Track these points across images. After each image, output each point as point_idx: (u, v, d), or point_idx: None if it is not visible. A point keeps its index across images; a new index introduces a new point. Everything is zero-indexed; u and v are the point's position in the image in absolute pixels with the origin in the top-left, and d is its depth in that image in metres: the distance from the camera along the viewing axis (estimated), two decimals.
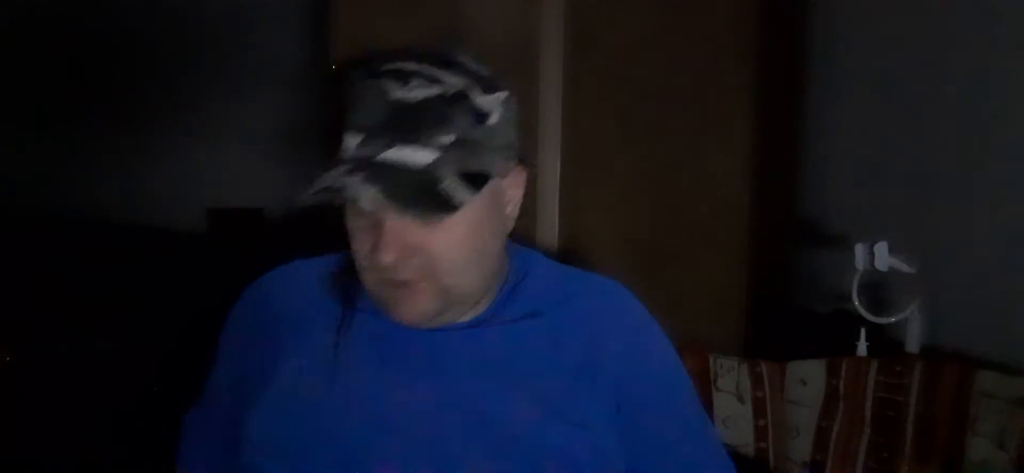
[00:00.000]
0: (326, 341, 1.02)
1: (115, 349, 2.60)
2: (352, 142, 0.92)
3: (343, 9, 1.81)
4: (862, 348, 1.68)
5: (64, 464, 2.28)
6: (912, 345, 1.66)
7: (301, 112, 3.04)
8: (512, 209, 1.03)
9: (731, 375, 1.64)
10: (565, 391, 1.00)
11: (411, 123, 0.92)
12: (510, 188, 1.02)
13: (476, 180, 0.93)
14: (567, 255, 1.67)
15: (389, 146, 0.91)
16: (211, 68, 3.11)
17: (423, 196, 0.90)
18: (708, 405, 1.62)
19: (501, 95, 0.98)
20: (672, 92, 1.85)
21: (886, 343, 1.68)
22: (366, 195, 0.89)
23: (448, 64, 0.96)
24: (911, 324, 1.66)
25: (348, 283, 1.03)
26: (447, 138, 0.92)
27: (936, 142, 1.82)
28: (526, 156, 1.03)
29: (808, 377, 1.64)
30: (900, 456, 1.53)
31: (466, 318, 1.03)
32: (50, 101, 3.19)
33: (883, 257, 1.61)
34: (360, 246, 0.96)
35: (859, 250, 1.64)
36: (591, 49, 1.75)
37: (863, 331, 1.68)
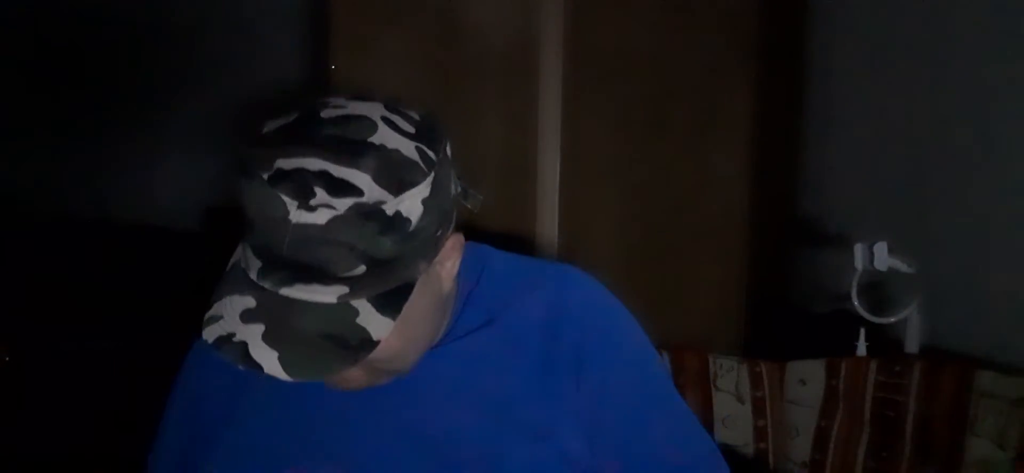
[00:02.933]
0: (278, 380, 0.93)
1: (115, 349, 2.60)
2: (252, 265, 0.81)
3: (342, 10, 1.81)
4: (862, 348, 1.68)
5: (64, 464, 2.27)
6: (912, 345, 1.66)
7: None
8: (451, 268, 0.92)
9: (730, 375, 1.64)
10: (525, 400, 0.95)
11: (314, 256, 0.78)
12: (446, 261, 0.90)
13: (397, 298, 0.82)
14: (567, 255, 1.67)
15: (290, 282, 0.78)
16: (211, 68, 3.11)
17: (332, 345, 0.79)
18: (707, 405, 1.62)
19: (425, 185, 0.81)
20: (672, 92, 1.85)
21: (886, 343, 1.68)
22: (267, 361, 0.77)
23: (361, 152, 0.79)
24: (910, 324, 1.66)
25: None
26: (359, 269, 0.79)
27: (936, 142, 1.82)
28: (463, 208, 0.91)
29: (808, 377, 1.64)
30: (900, 456, 1.53)
31: None
32: (50, 101, 3.19)
33: (883, 257, 1.61)
34: None
35: (858, 250, 1.64)
36: (591, 49, 1.75)
37: (863, 331, 1.68)
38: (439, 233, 0.85)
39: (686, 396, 1.10)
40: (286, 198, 0.77)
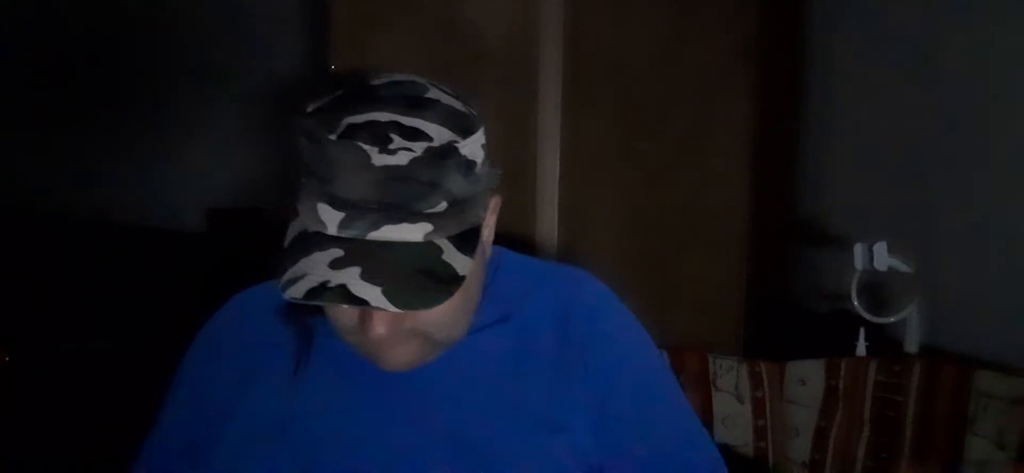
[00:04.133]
0: (288, 371, 0.97)
1: (115, 349, 2.60)
2: (332, 219, 0.81)
3: (342, 9, 1.81)
4: (861, 348, 1.68)
5: (64, 464, 2.27)
6: (911, 345, 1.66)
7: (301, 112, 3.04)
8: (489, 235, 0.97)
9: (730, 375, 1.64)
10: (539, 395, 0.97)
11: (400, 194, 0.81)
12: (489, 217, 0.95)
13: (471, 239, 0.87)
14: (568, 255, 1.67)
15: (378, 225, 0.81)
16: (211, 68, 3.11)
17: (426, 280, 0.81)
18: (707, 405, 1.62)
19: (480, 134, 0.90)
20: (672, 92, 1.85)
21: (885, 343, 1.68)
22: (371, 295, 0.79)
23: (422, 105, 0.86)
24: (910, 324, 1.66)
25: (306, 318, 0.99)
26: (441, 205, 0.83)
27: (936, 142, 1.82)
28: (495, 177, 0.94)
29: (807, 377, 1.64)
30: (899, 456, 1.54)
31: None
32: (50, 101, 3.19)
33: (882, 257, 1.62)
34: (342, 317, 0.88)
35: (858, 250, 1.64)
36: (591, 49, 1.75)
37: (862, 331, 1.68)
38: (491, 184, 0.91)
39: (686, 396, 1.11)
40: (366, 146, 0.81)
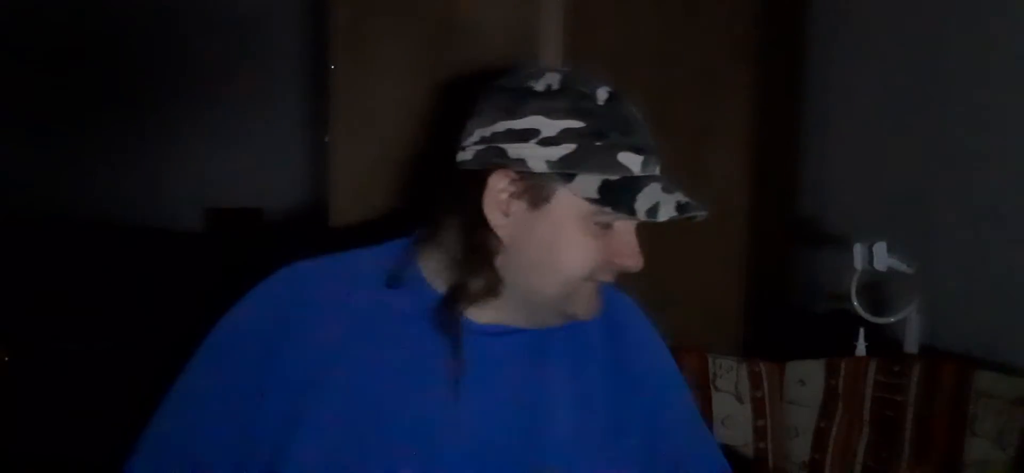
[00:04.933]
0: (387, 350, 0.99)
1: (115, 349, 2.60)
2: (635, 163, 0.97)
3: (342, 9, 1.81)
4: (861, 348, 1.68)
5: (64, 464, 2.28)
6: (911, 345, 1.66)
7: (301, 112, 3.05)
8: None
9: (730, 375, 1.64)
10: (600, 399, 1.05)
11: (653, 144, 1.00)
12: None
13: None
14: None
15: (656, 164, 0.99)
16: (211, 68, 3.12)
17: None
18: (707, 405, 1.62)
19: None
20: (672, 92, 1.85)
21: (885, 343, 1.68)
22: (695, 209, 0.97)
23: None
24: (910, 324, 1.66)
25: (459, 319, 1.01)
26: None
27: (936, 142, 1.82)
28: None
29: (807, 377, 1.64)
30: (899, 456, 1.54)
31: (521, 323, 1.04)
32: (50, 101, 3.19)
33: (882, 257, 1.62)
34: (593, 254, 0.98)
35: (858, 250, 1.64)
36: (591, 49, 1.75)
37: (862, 331, 1.68)
38: None
39: None
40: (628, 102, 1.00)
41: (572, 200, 0.96)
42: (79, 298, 2.73)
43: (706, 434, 1.18)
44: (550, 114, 0.97)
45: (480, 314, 1.01)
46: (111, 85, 3.17)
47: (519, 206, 0.98)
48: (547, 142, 0.96)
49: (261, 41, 3.09)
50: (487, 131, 0.98)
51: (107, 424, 2.36)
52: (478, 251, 0.98)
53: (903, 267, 1.63)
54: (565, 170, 0.96)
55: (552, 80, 0.99)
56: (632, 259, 1.00)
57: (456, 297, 1.00)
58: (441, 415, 0.98)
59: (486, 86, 1.04)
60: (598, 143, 0.96)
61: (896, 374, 1.57)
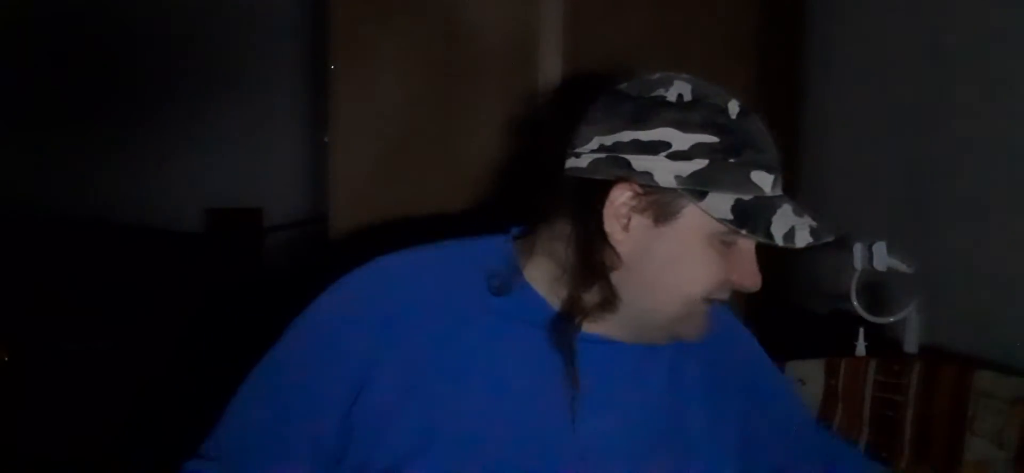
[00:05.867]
0: (489, 353, 0.95)
1: (115, 349, 2.60)
2: (766, 182, 0.93)
3: (342, 10, 1.81)
4: (861, 348, 1.68)
5: (64, 464, 2.28)
6: (910, 345, 1.66)
7: (301, 112, 3.05)
8: None
9: None
10: (693, 410, 1.03)
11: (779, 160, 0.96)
12: None
13: None
14: None
15: (781, 183, 0.95)
16: (211, 68, 3.12)
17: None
18: None
19: None
20: None
21: (885, 343, 1.68)
22: (825, 234, 0.93)
23: None
24: (909, 324, 1.66)
25: (574, 332, 0.96)
26: None
27: (936, 142, 1.82)
28: None
29: (807, 377, 1.64)
30: (899, 455, 1.54)
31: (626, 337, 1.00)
32: (50, 101, 3.19)
33: (882, 257, 1.62)
34: (715, 275, 0.94)
35: (858, 250, 1.64)
36: (591, 49, 1.75)
37: (862, 331, 1.68)
38: None
39: None
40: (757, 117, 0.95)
41: (702, 218, 0.92)
42: (79, 298, 2.73)
43: (826, 437, 1.18)
44: (683, 127, 0.91)
45: (586, 325, 0.97)
46: (111, 85, 3.17)
47: (641, 221, 0.92)
48: (678, 156, 0.91)
49: (261, 41, 3.09)
50: (609, 140, 0.93)
51: (107, 424, 2.36)
52: (595, 265, 0.93)
53: (903, 267, 1.63)
54: (696, 187, 0.91)
55: (683, 90, 0.95)
56: (752, 279, 0.96)
57: (572, 312, 0.95)
58: (555, 426, 0.94)
59: (605, 91, 0.98)
60: (731, 160, 0.91)
61: (896, 374, 1.57)
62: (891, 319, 1.67)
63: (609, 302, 0.94)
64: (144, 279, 2.78)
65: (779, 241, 0.91)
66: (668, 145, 0.91)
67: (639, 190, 0.91)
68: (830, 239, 0.94)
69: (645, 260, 0.93)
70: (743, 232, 0.91)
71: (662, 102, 0.94)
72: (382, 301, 0.98)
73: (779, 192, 0.94)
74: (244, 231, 2.98)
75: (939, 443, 1.50)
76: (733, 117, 0.93)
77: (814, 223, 0.93)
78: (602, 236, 0.93)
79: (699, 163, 0.90)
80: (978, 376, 1.47)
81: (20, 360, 2.56)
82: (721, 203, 0.91)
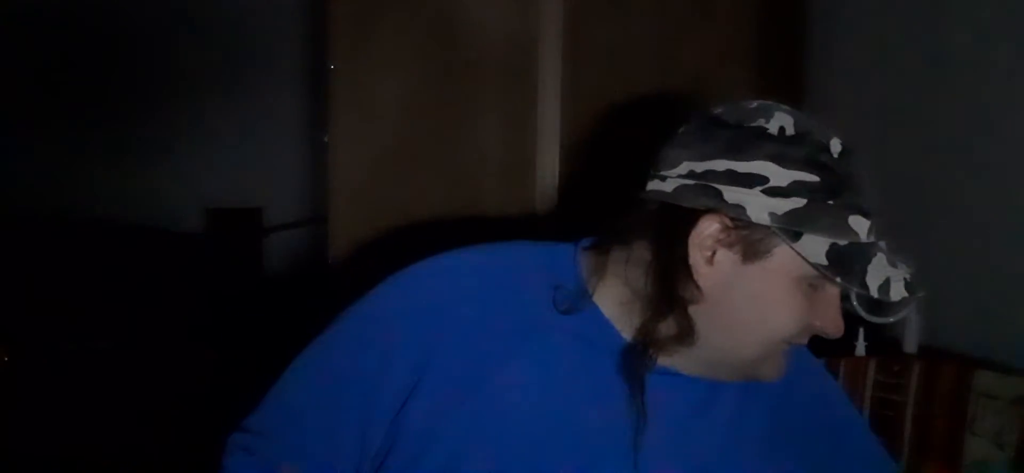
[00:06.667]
0: (551, 369, 0.92)
1: (115, 349, 2.60)
2: (863, 227, 0.88)
3: (342, 10, 1.81)
4: (860, 348, 1.68)
5: (64, 464, 2.28)
6: (910, 345, 1.66)
7: (301, 112, 3.05)
8: None
9: None
10: (761, 450, 1.00)
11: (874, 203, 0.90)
12: None
13: None
14: None
15: (882, 232, 0.90)
16: (211, 68, 3.12)
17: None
18: None
19: None
20: (672, 92, 1.85)
21: (884, 343, 1.68)
22: (915, 288, 0.90)
23: None
24: (909, 324, 1.66)
25: (644, 350, 0.92)
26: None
27: (936, 142, 1.82)
28: None
29: None
30: (898, 455, 1.54)
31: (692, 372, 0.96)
32: (50, 100, 3.19)
33: None
34: (800, 320, 0.90)
35: None
36: (591, 49, 1.75)
37: (861, 331, 1.68)
38: None
39: None
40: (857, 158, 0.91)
41: (793, 259, 0.87)
42: (79, 298, 2.74)
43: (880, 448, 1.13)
44: (782, 162, 0.86)
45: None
46: (111, 86, 3.17)
47: (727, 256, 0.88)
48: (775, 192, 0.85)
49: (261, 41, 3.09)
50: (700, 167, 0.87)
51: (107, 424, 2.36)
52: (674, 296, 0.89)
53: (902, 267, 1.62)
54: (791, 227, 0.85)
55: (785, 122, 0.89)
56: (835, 325, 0.91)
57: (646, 342, 0.91)
58: (613, 459, 0.91)
59: (698, 116, 0.94)
60: (830, 202, 0.86)
61: (896, 374, 1.57)
62: (891, 319, 1.66)
63: (685, 336, 0.89)
64: (144, 279, 2.78)
65: (874, 292, 0.87)
66: (765, 180, 0.86)
67: (729, 223, 0.86)
68: (921, 295, 0.90)
69: (728, 297, 0.89)
70: (838, 280, 0.87)
71: (762, 133, 0.88)
72: (441, 300, 0.95)
73: (873, 239, 0.89)
74: (244, 231, 2.98)
75: (939, 443, 1.50)
76: (835, 156, 0.89)
77: (908, 276, 0.89)
78: (685, 267, 0.88)
79: (797, 202, 0.85)
80: (978, 376, 1.47)
81: (20, 360, 2.56)
82: (816, 246, 0.86)
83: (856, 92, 2.05)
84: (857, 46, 2.05)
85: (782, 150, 0.87)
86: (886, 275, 0.87)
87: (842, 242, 0.86)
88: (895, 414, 1.55)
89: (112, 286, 2.76)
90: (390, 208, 1.76)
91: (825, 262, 0.86)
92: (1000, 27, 1.67)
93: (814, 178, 0.86)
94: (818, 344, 1.52)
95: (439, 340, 0.92)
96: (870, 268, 0.87)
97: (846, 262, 0.86)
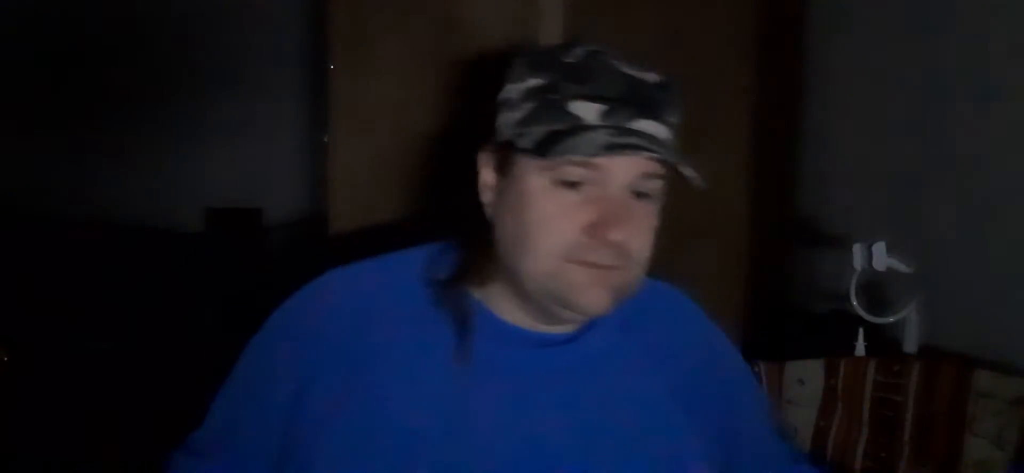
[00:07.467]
0: (426, 359, 0.95)
1: (114, 349, 2.60)
2: (590, 112, 0.90)
3: (342, 10, 1.81)
4: (860, 348, 1.68)
5: (64, 464, 2.28)
6: (910, 345, 1.66)
7: (301, 112, 3.05)
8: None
9: None
10: (662, 411, 1.02)
11: (649, 100, 0.93)
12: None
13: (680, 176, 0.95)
14: None
15: (634, 118, 0.91)
16: (211, 68, 3.11)
17: (677, 163, 0.91)
18: None
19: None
20: None
21: (884, 343, 1.68)
22: (658, 134, 0.91)
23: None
24: (909, 324, 1.66)
25: (461, 297, 0.98)
26: (674, 119, 0.95)
27: (935, 142, 1.82)
28: None
29: (806, 377, 1.64)
30: (898, 456, 1.54)
31: (568, 328, 1.00)
32: (49, 100, 3.19)
33: (881, 257, 1.62)
34: (566, 223, 0.91)
35: (857, 250, 1.64)
36: None
37: (861, 331, 1.68)
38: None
39: None
40: (616, 59, 0.96)
41: (529, 162, 0.92)
42: (79, 298, 2.73)
43: (788, 448, 1.17)
44: (518, 78, 0.95)
45: (508, 313, 0.97)
46: (111, 85, 3.17)
47: (492, 176, 0.97)
48: (511, 106, 0.94)
49: (261, 41, 3.09)
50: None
51: (107, 424, 2.36)
52: (474, 229, 0.97)
53: (903, 267, 1.63)
54: (522, 130, 0.92)
55: (535, 47, 0.99)
56: (602, 218, 0.91)
57: (457, 276, 0.97)
58: (493, 428, 0.94)
59: None
60: (553, 96, 0.92)
61: (895, 374, 1.57)
62: (891, 319, 1.67)
63: (489, 264, 0.96)
64: (144, 279, 2.78)
65: (593, 153, 0.89)
66: (508, 99, 0.95)
67: (493, 149, 0.96)
68: (646, 153, 0.90)
69: (502, 216, 0.95)
70: (544, 158, 0.90)
71: (514, 60, 0.97)
72: (318, 315, 1.00)
73: (613, 123, 0.91)
74: (244, 231, 2.98)
75: (939, 443, 1.50)
76: (571, 60, 0.93)
77: (640, 142, 0.89)
78: (478, 201, 0.97)
79: (527, 108, 0.92)
80: (978, 376, 1.47)
81: (20, 360, 2.56)
82: (535, 139, 0.92)
83: (856, 92, 2.05)
84: (857, 46, 2.05)
85: (522, 70, 0.95)
86: (612, 141, 0.88)
87: (561, 127, 0.90)
88: (895, 414, 1.56)
89: (112, 286, 2.76)
90: (390, 208, 1.76)
91: (534, 147, 0.91)
92: (1000, 27, 1.67)
93: (541, 81, 0.93)
94: (818, 344, 1.54)
95: (315, 355, 0.97)
96: (593, 140, 0.88)
97: (560, 142, 0.89)
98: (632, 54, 1.81)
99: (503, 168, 0.95)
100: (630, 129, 0.90)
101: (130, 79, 3.16)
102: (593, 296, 0.93)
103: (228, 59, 3.10)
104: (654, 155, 0.90)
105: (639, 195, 0.94)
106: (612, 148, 0.88)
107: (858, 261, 1.64)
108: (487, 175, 0.98)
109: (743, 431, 1.10)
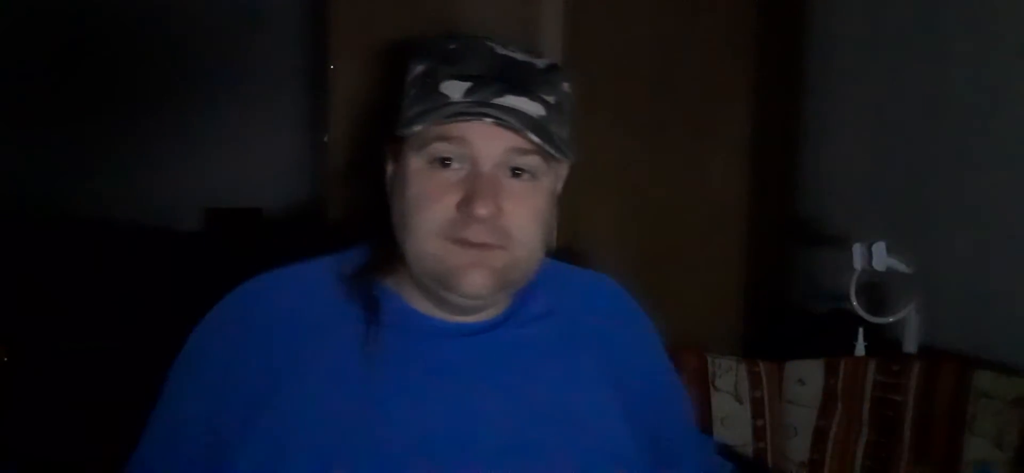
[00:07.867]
0: (344, 357, 0.96)
1: (115, 349, 2.60)
2: (457, 89, 0.92)
3: (341, 8, 1.81)
4: (860, 348, 1.68)
5: (64, 464, 2.27)
6: (910, 345, 1.66)
7: (301, 112, 3.05)
8: (557, 194, 1.06)
9: (729, 375, 1.64)
10: (584, 389, 1.02)
11: (519, 77, 0.93)
12: (559, 181, 1.04)
13: (567, 146, 0.96)
14: (566, 255, 1.67)
15: (501, 94, 0.91)
16: (211, 68, 3.11)
17: (543, 137, 0.92)
18: (706, 405, 1.62)
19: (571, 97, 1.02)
20: (672, 92, 1.85)
21: (884, 343, 1.68)
22: (522, 106, 0.91)
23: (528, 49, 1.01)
24: (909, 324, 1.66)
25: (370, 284, 1.00)
26: (551, 98, 0.94)
27: (935, 142, 1.82)
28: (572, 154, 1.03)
29: (806, 377, 1.64)
30: (898, 456, 1.54)
31: (486, 317, 1.01)
32: (49, 100, 3.19)
33: (881, 257, 1.62)
34: (439, 201, 0.93)
35: (857, 250, 1.65)
36: (591, 49, 1.75)
37: (861, 331, 1.68)
38: (568, 154, 0.98)
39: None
40: (490, 42, 0.98)
41: (409, 146, 0.96)
42: (79, 298, 2.73)
43: (699, 433, 1.21)
44: (408, 68, 0.99)
45: (423, 305, 0.99)
46: (111, 85, 3.17)
47: (391, 167, 1.01)
48: (403, 97, 0.98)
49: (261, 41, 3.09)
50: None
51: (106, 424, 2.36)
52: (381, 218, 1.00)
53: (902, 267, 1.63)
54: (404, 115, 0.96)
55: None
56: (475, 202, 0.91)
57: (366, 269, 1.00)
58: (415, 421, 0.93)
59: None
60: (429, 80, 0.95)
61: (895, 374, 1.57)
62: (890, 319, 1.67)
63: (392, 252, 0.98)
64: (144, 279, 2.78)
65: (443, 118, 0.91)
66: (403, 90, 0.99)
67: (389, 140, 1.00)
68: (497, 119, 0.91)
69: (393, 204, 0.99)
70: (405, 133, 0.93)
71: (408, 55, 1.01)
72: (235, 326, 1.01)
73: (481, 98, 0.92)
74: (244, 231, 2.98)
75: (939, 443, 1.50)
76: (450, 46, 0.97)
77: (505, 108, 0.91)
78: (384, 194, 1.01)
79: (410, 95, 0.97)
80: (977, 376, 1.47)
81: (20, 360, 2.56)
82: (405, 119, 0.96)
83: (856, 92, 2.05)
84: (856, 46, 2.05)
85: (412, 61, 0.99)
86: (463, 110, 0.91)
87: (429, 106, 0.93)
88: (895, 414, 1.56)
89: (112, 286, 2.76)
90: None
91: (404, 127, 0.94)
92: (1000, 26, 1.67)
93: (421, 68, 0.97)
94: (818, 344, 1.54)
95: (233, 363, 0.98)
96: (447, 112, 0.91)
97: (424, 119, 0.92)
98: (632, 54, 1.81)
99: (393, 155, 1.00)
100: (491, 104, 0.91)
101: (130, 79, 3.16)
102: (474, 278, 0.93)
103: (228, 59, 3.10)
104: (510, 126, 0.91)
105: (516, 173, 0.95)
106: (459, 115, 0.90)
107: (858, 261, 1.64)
108: (388, 167, 1.02)
109: (669, 417, 1.12)
